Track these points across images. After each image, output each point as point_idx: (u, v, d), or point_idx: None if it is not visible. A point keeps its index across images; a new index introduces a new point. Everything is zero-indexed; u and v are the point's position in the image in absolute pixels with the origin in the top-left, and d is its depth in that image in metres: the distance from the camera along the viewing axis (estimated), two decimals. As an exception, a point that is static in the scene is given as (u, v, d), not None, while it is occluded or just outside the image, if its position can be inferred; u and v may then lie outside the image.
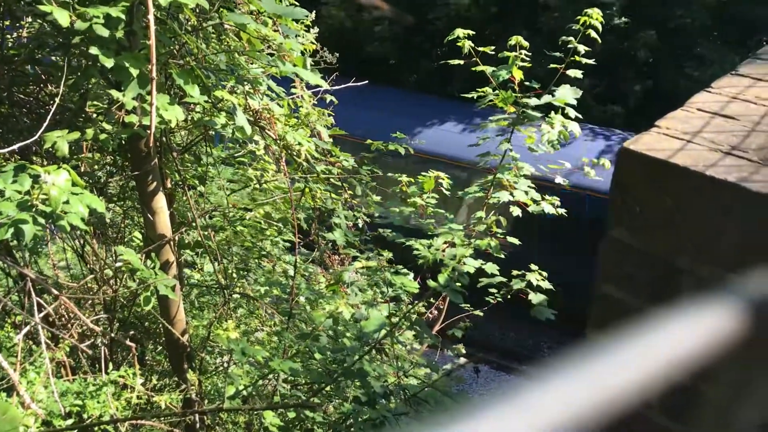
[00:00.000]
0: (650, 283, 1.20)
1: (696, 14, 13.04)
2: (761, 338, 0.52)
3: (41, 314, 3.30)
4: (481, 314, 4.60)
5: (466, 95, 4.33)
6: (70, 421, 3.34)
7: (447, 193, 4.43)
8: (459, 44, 4.10)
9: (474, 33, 4.20)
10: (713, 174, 1.11)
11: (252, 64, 3.47)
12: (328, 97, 4.73)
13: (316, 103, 4.55)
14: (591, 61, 4.02)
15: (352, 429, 3.66)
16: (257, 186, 4.77)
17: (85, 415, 3.39)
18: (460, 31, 4.12)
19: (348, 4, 14.16)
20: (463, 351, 4.83)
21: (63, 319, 4.09)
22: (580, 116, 3.99)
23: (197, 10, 3.10)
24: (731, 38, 13.68)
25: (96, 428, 3.43)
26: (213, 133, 4.07)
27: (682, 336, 0.52)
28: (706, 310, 0.54)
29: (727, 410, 0.61)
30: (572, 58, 4.02)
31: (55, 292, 3.40)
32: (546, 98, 3.93)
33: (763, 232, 1.05)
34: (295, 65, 3.17)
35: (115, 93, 2.81)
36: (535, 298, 3.81)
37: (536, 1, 12.18)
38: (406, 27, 14.06)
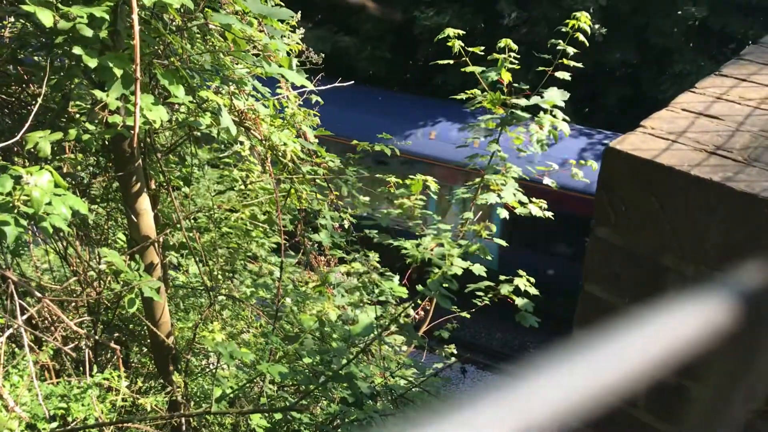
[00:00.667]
0: (635, 282, 1.20)
1: (674, 26, 13.26)
2: (751, 331, 0.52)
3: (24, 317, 3.26)
4: (468, 316, 4.60)
5: (455, 96, 4.33)
6: (54, 425, 3.31)
7: (434, 196, 4.43)
8: (449, 44, 4.10)
9: (463, 33, 4.21)
10: (698, 174, 1.11)
11: (237, 64, 3.45)
12: (314, 98, 4.71)
13: (301, 103, 4.54)
14: (579, 65, 4.03)
15: (339, 430, 3.64)
16: (242, 187, 4.74)
17: (69, 418, 3.36)
18: (450, 31, 4.12)
19: (326, 29, 14.24)
20: (450, 351, 4.83)
21: (46, 321, 4.05)
22: (567, 118, 4.01)
23: (182, 10, 3.08)
24: (708, 50, 13.92)
25: (81, 431, 3.40)
26: (199, 134, 4.05)
27: (667, 333, 0.51)
28: (691, 306, 0.53)
29: (713, 407, 0.61)
30: (559, 61, 4.04)
31: (38, 294, 3.37)
32: (534, 99, 3.94)
33: (747, 231, 1.05)
34: (280, 66, 3.16)
35: (98, 93, 2.79)
36: (521, 302, 3.81)
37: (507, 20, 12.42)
38: (392, 46, 14.15)
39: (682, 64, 13.16)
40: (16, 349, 3.75)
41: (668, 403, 1.18)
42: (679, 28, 13.28)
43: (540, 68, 4.11)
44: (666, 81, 13.19)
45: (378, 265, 4.40)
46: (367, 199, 4.70)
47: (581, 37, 3.99)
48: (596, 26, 12.27)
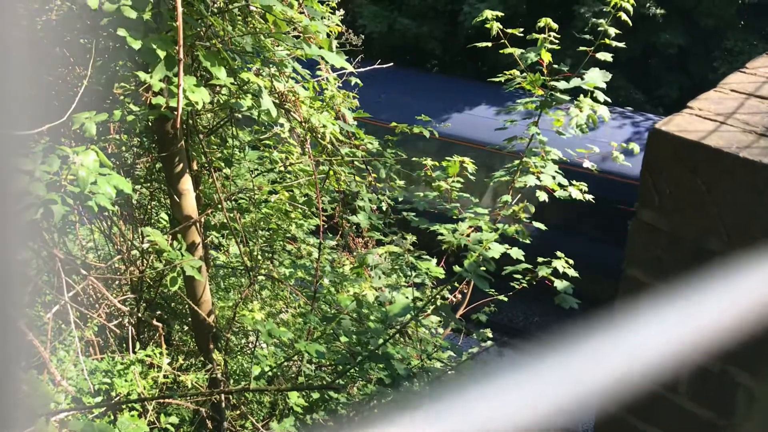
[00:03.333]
0: (679, 266, 1.18)
1: (724, 7, 12.93)
2: None
3: (70, 294, 3.35)
4: (506, 299, 4.58)
5: (493, 78, 4.29)
6: (98, 399, 3.40)
7: (472, 177, 4.40)
8: (487, 26, 4.06)
9: (503, 15, 4.15)
10: (747, 156, 1.08)
11: (278, 46, 3.46)
12: (353, 80, 4.71)
13: (341, 85, 4.54)
14: (621, 45, 3.95)
15: (376, 410, 3.67)
16: (282, 169, 4.78)
17: (113, 393, 3.45)
18: (489, 13, 4.07)
19: (382, 6, 14.30)
20: (489, 335, 4.82)
21: (91, 299, 4.16)
22: (608, 100, 3.93)
23: (223, -8, 3.10)
24: (762, 28, 13.54)
25: (124, 406, 3.49)
26: (240, 115, 4.08)
27: (711, 318, 0.51)
28: (737, 292, 0.52)
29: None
30: (602, 41, 3.96)
31: (84, 272, 3.45)
32: (575, 81, 3.87)
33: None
34: (320, 47, 3.16)
35: (142, 75, 2.83)
36: (560, 285, 3.78)
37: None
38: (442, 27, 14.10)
39: (736, 41, 12.88)
40: (63, 326, 3.86)
41: (712, 390, 1.16)
42: (730, 7, 12.93)
43: (581, 48, 4.04)
44: (718, 58, 12.93)
45: (412, 248, 4.41)
46: (403, 182, 4.70)
47: (624, 17, 3.90)
48: (651, 9, 12.08)
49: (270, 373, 3.99)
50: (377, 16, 14.08)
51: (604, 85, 3.87)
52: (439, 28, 14.43)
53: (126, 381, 3.47)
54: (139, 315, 4.10)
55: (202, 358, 3.92)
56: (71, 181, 2.54)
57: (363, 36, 4.52)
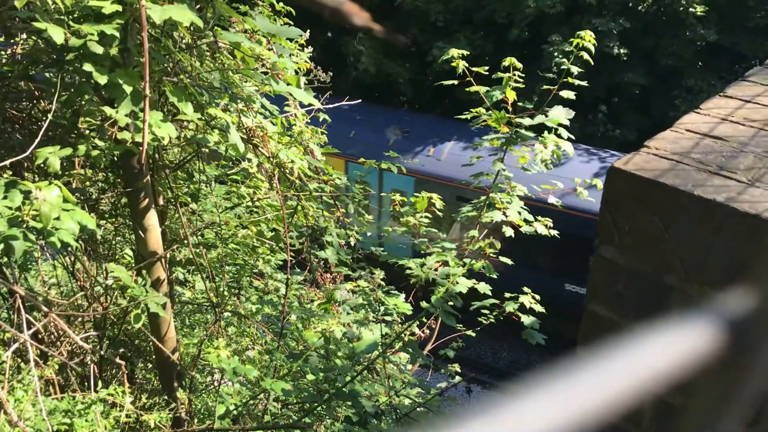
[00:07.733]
0: (638, 300, 1.20)
1: (685, 47, 13.40)
2: (736, 357, 0.52)
3: (30, 331, 3.27)
4: (474, 334, 4.58)
5: (459, 116, 4.35)
6: (57, 440, 3.30)
7: (440, 213, 4.43)
8: (453, 64, 4.12)
9: (469, 53, 4.23)
10: (701, 194, 1.11)
11: (246, 82, 3.48)
12: (322, 116, 4.74)
13: (309, 121, 4.56)
14: (584, 83, 4.04)
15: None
16: (250, 204, 4.76)
17: (72, 434, 3.35)
18: (455, 51, 4.14)
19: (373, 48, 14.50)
20: (456, 370, 4.81)
21: (52, 336, 4.06)
22: (572, 137, 4.01)
23: (191, 28, 3.11)
24: (719, 69, 14.01)
25: (84, 447, 3.39)
26: (208, 150, 4.07)
27: (665, 352, 0.52)
28: (688, 327, 0.54)
29: (704, 422, 0.61)
30: (565, 80, 4.05)
31: (45, 309, 3.38)
32: (539, 118, 3.94)
33: (750, 251, 1.06)
34: (288, 84, 3.19)
35: (108, 110, 2.81)
36: (527, 320, 3.80)
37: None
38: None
39: (695, 80, 13.33)
40: (22, 364, 3.76)
41: (673, 425, 1.17)
42: (689, 48, 13.39)
43: (545, 87, 4.12)
44: (678, 96, 13.35)
45: (383, 283, 4.40)
46: (371, 217, 4.71)
47: (586, 56, 4.00)
48: (615, 49, 12.48)
49: (235, 412, 3.92)
50: (374, 58, 14.35)
51: (567, 122, 3.95)
52: (408, 67, 14.69)
53: (87, 421, 3.38)
54: (102, 353, 4.01)
55: (165, 397, 3.84)
56: (34, 216, 2.50)
57: (330, 74, 4.55)
